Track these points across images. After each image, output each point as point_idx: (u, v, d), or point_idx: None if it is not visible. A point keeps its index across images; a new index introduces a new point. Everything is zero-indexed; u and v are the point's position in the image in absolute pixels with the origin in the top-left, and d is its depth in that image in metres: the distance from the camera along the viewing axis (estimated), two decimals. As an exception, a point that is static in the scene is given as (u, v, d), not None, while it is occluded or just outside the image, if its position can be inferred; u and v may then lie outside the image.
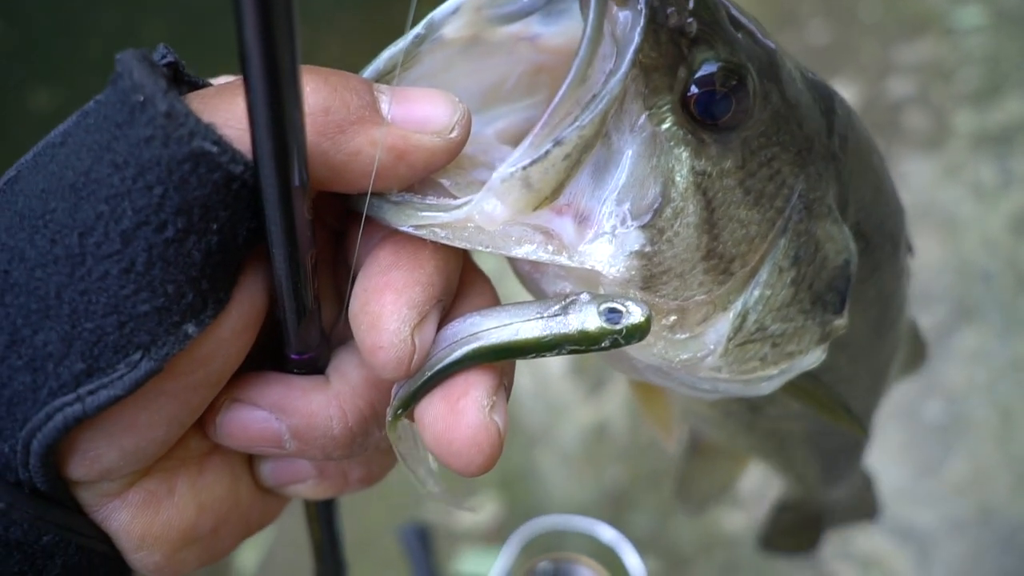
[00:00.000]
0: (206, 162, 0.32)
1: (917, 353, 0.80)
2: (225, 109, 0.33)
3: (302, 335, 0.37)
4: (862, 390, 0.65)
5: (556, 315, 0.35)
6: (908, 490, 1.62)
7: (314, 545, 0.50)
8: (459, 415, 0.35)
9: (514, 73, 0.41)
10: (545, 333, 0.35)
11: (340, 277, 0.41)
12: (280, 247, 0.34)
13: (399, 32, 0.38)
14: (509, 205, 0.35)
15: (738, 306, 0.41)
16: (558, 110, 0.35)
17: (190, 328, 0.33)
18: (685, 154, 0.38)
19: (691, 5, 0.38)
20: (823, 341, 0.44)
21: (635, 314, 0.35)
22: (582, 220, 0.37)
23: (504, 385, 0.37)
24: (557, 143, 0.35)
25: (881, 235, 0.51)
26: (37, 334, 0.33)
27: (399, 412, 0.37)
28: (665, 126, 0.38)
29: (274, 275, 0.35)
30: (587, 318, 0.35)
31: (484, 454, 0.35)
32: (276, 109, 0.30)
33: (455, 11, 0.38)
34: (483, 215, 0.35)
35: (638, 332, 0.35)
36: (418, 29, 0.38)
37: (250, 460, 0.42)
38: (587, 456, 1.80)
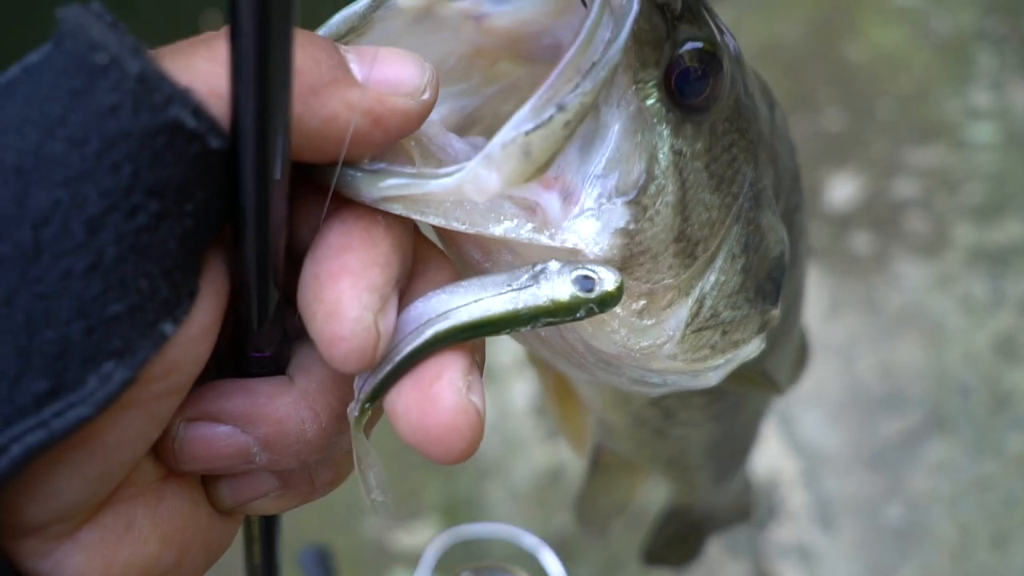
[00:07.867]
0: (183, 134, 0.28)
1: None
2: (194, 67, 0.29)
3: (268, 329, 0.34)
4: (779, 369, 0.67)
5: (526, 286, 0.33)
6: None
7: (249, 571, 0.47)
8: (434, 401, 0.32)
9: (455, 53, 0.40)
10: (519, 307, 0.33)
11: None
12: (254, 227, 0.30)
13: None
14: (503, 175, 0.33)
15: (696, 292, 0.41)
16: (560, 76, 0.34)
17: (167, 327, 0.30)
18: (666, 132, 0.38)
19: None
20: (762, 331, 0.45)
21: (608, 280, 0.34)
22: (567, 195, 0.36)
23: (477, 363, 0.34)
24: (560, 108, 0.33)
25: (798, 229, 0.52)
26: None
27: (367, 406, 0.34)
28: (650, 102, 0.38)
29: (243, 259, 0.31)
30: (559, 287, 0.33)
31: (465, 439, 0.32)
32: (265, 68, 0.26)
33: None
34: (475, 185, 0.33)
35: (611, 299, 0.34)
36: None
37: (204, 479, 0.38)
38: (537, 497, 1.76)
